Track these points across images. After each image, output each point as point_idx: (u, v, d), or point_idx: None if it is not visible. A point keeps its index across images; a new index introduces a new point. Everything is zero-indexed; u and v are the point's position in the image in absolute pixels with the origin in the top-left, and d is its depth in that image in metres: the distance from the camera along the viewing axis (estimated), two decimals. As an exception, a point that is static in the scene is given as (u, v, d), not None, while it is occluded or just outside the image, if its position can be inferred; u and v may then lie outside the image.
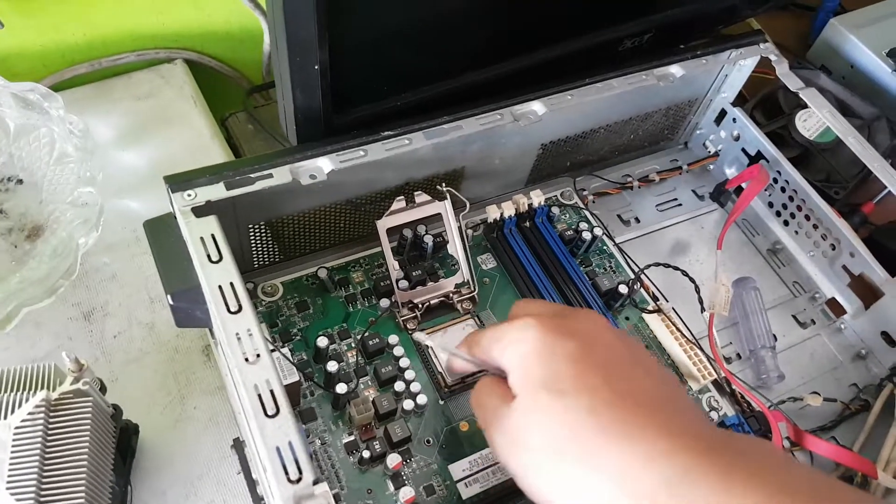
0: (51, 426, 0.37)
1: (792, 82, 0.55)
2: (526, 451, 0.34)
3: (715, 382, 0.49)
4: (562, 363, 0.34)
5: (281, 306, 0.49)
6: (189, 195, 0.41)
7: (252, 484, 0.42)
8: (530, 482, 0.34)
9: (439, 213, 0.49)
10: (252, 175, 0.42)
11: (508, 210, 0.52)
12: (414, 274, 0.49)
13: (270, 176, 0.42)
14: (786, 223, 0.59)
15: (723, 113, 0.60)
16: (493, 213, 0.52)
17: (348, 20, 0.40)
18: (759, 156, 0.58)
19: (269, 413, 0.34)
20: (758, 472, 0.30)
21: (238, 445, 0.44)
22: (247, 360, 0.35)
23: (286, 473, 0.32)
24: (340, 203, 0.48)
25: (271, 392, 0.34)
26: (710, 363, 0.49)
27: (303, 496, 0.32)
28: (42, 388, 0.38)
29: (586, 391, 0.33)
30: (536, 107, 0.49)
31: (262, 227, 0.47)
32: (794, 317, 0.56)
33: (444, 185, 0.49)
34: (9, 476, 0.36)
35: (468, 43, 0.48)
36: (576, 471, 0.32)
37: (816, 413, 0.51)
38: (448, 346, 0.42)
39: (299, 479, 0.32)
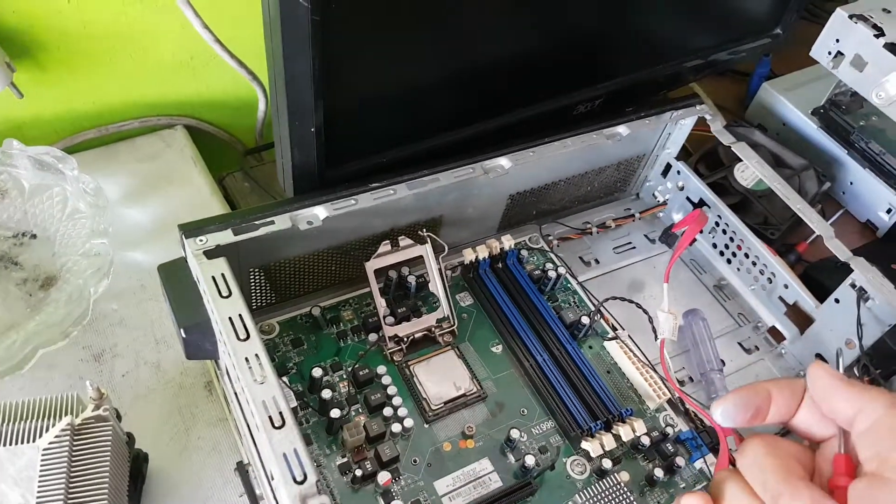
0: (75, 448, 0.42)
1: (725, 137, 0.63)
2: None
3: (671, 402, 0.55)
4: None
5: (277, 343, 0.54)
6: (201, 240, 0.46)
7: (255, 502, 0.46)
8: None
9: (421, 256, 0.55)
10: (256, 222, 0.48)
11: (483, 253, 0.58)
12: (399, 311, 0.55)
13: (272, 222, 0.48)
14: (728, 261, 0.66)
15: (668, 166, 0.68)
16: (469, 255, 0.58)
17: (341, 90, 0.47)
18: (702, 203, 0.66)
19: (276, 425, 0.39)
20: None
21: (241, 468, 0.48)
22: (256, 380, 0.40)
23: (293, 476, 0.37)
24: (333, 248, 0.54)
25: (277, 408, 0.39)
26: (665, 384, 0.55)
27: (307, 495, 0.37)
28: (66, 415, 0.43)
29: None
30: (503, 162, 0.56)
31: (260, 271, 0.52)
32: (740, 344, 0.63)
33: (425, 230, 0.55)
34: (38, 495, 0.39)
35: (445, 109, 0.55)
36: None
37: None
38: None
39: (304, 481, 0.37)
